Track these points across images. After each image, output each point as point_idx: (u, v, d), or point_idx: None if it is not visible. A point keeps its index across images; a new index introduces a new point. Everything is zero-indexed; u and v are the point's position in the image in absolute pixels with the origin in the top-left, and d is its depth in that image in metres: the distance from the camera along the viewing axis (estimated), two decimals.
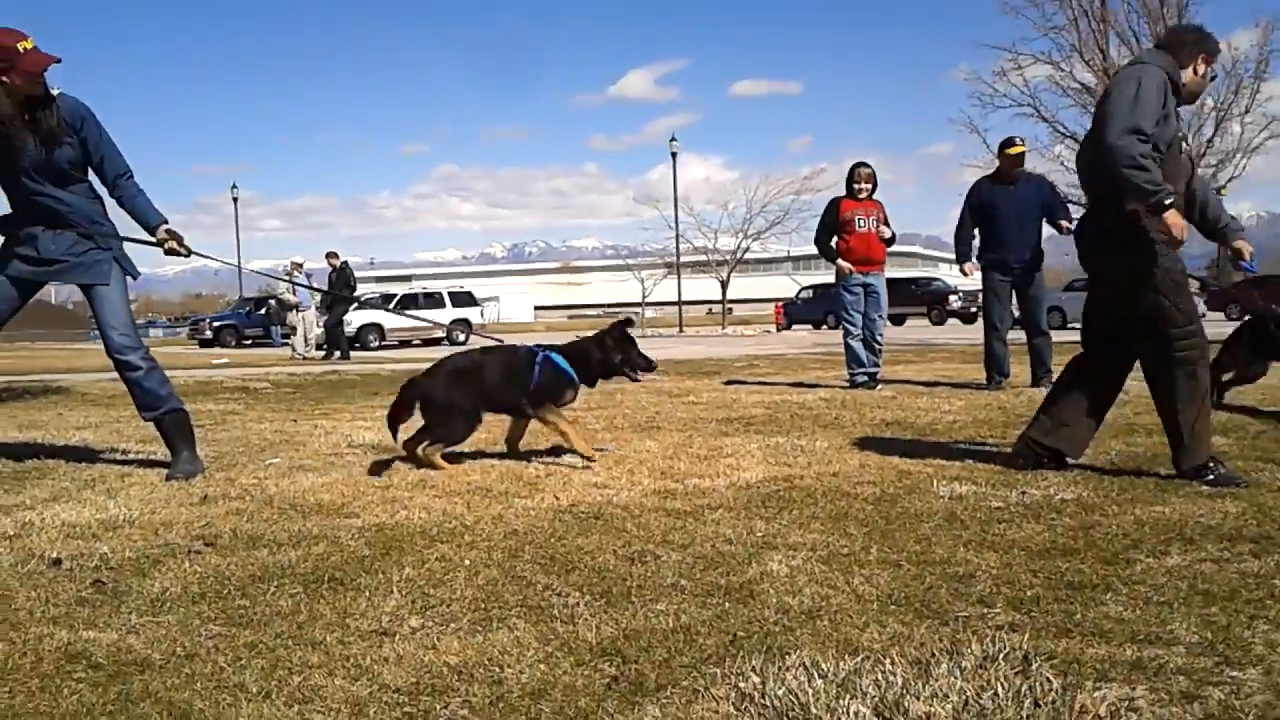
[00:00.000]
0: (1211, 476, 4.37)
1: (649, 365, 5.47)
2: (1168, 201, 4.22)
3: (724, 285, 51.69)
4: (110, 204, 5.08)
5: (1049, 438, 4.80)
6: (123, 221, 5.13)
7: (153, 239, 5.05)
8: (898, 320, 38.67)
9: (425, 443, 5.20)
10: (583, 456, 5.20)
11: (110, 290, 4.99)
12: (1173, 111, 4.38)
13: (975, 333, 22.88)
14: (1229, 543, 3.40)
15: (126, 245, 5.13)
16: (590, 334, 5.59)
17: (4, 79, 4.56)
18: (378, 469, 5.19)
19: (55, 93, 4.76)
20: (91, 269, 4.95)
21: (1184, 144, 4.55)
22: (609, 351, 5.38)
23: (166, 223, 5.05)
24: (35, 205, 4.84)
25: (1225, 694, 2.15)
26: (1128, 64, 4.73)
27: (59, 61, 4.65)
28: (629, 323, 5.56)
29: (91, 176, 5.01)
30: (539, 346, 5.40)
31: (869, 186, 9.57)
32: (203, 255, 5.59)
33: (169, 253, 5.07)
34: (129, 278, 5.09)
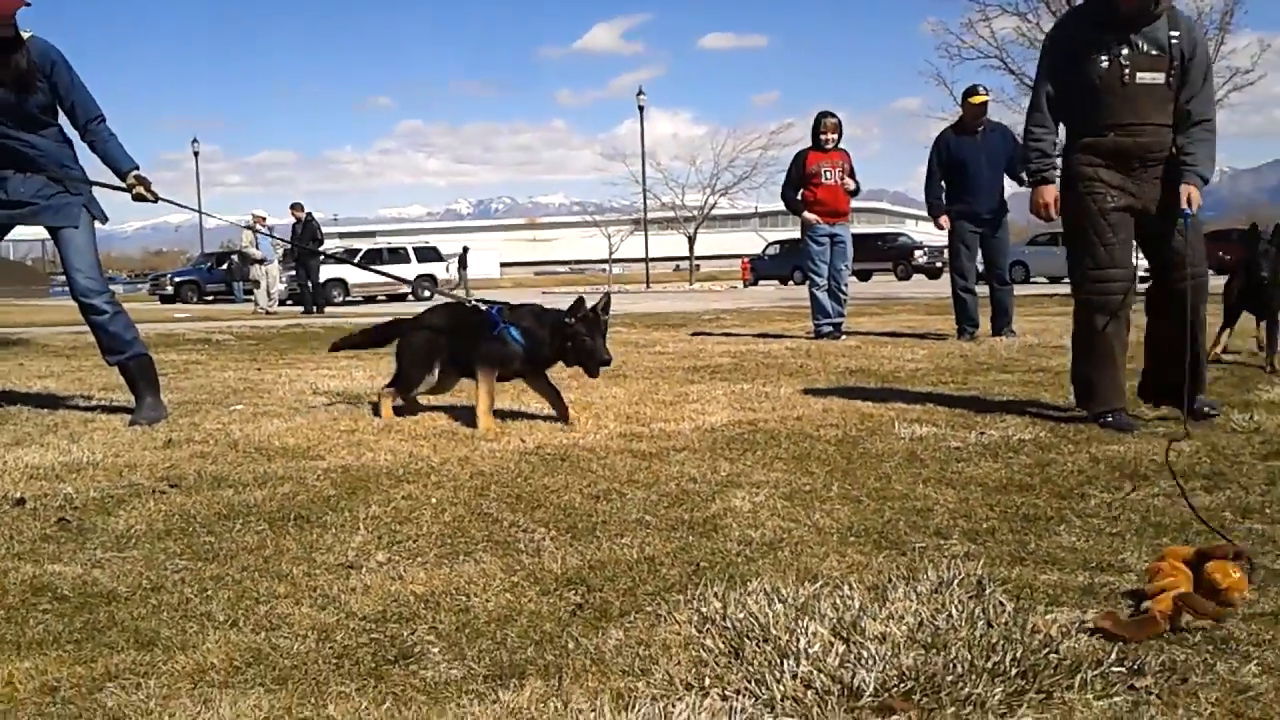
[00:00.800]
0: (1110, 419, 4.43)
1: (607, 360, 4.84)
2: (1041, 176, 4.58)
3: (691, 241, 51.63)
4: (80, 148, 5.03)
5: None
6: (90, 165, 5.08)
7: (122, 184, 5.00)
8: (863, 276, 38.80)
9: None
10: (479, 424, 4.75)
11: (78, 233, 4.94)
12: (1099, 45, 4.36)
13: (939, 287, 23.04)
14: (1182, 479, 3.46)
15: (96, 190, 5.08)
16: (555, 311, 4.94)
17: None
18: (343, 414, 5.19)
19: (26, 35, 4.68)
20: (61, 211, 4.90)
21: (1128, 73, 4.38)
22: (569, 337, 4.77)
23: (138, 168, 5.00)
24: (5, 149, 4.77)
25: None
26: None
27: (28, 4, 4.57)
28: (601, 307, 4.80)
29: (61, 120, 4.95)
30: (498, 312, 4.93)
31: (835, 136, 9.59)
32: (170, 201, 5.53)
33: (137, 198, 5.02)
34: (98, 222, 5.05)
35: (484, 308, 5.03)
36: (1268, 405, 4.84)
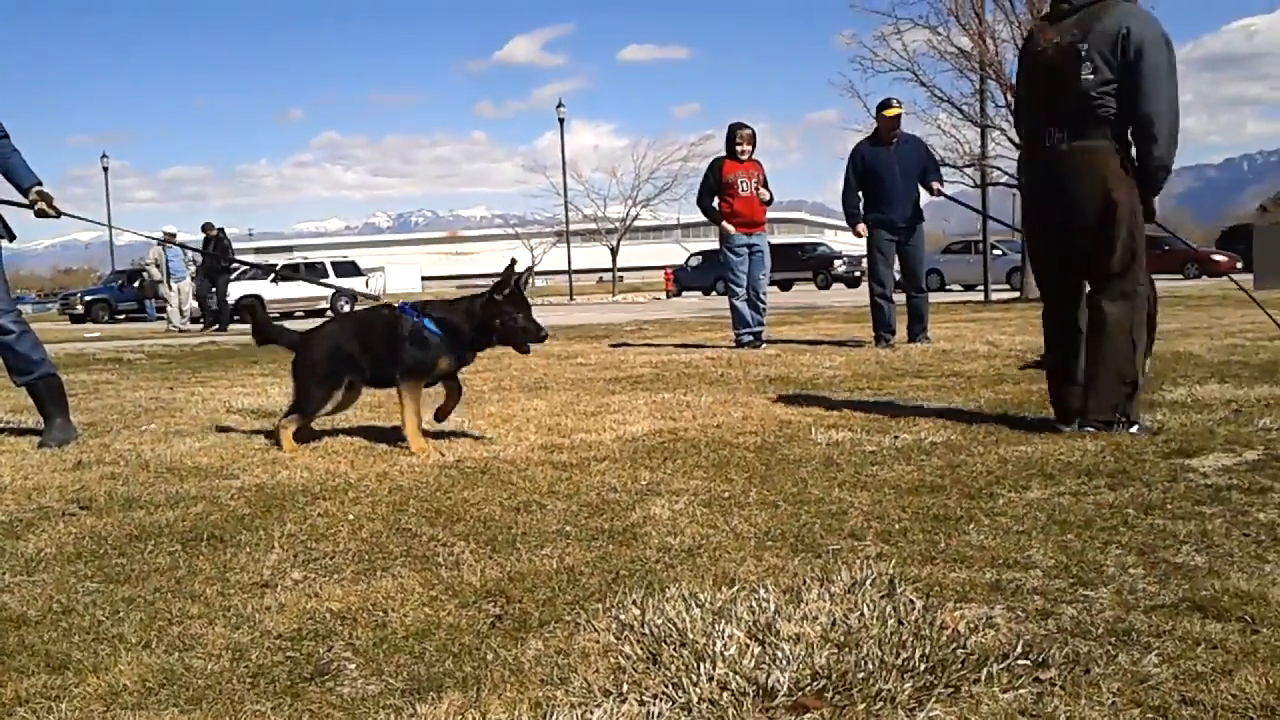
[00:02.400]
0: (1135, 428, 4.35)
1: (539, 335, 4.62)
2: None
3: (614, 253, 51.72)
4: None
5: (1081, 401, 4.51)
6: None
7: (24, 200, 4.91)
8: (784, 285, 39.22)
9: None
10: (408, 445, 4.51)
11: None
12: None
13: (859, 296, 23.38)
14: (1087, 477, 3.58)
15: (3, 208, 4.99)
16: (473, 295, 4.80)
17: None
18: (258, 432, 5.12)
19: None
20: None
21: None
22: (493, 316, 4.58)
23: (40, 184, 4.92)
24: None
25: (1078, 611, 2.29)
26: (1144, 19, 4.34)
27: None
28: (516, 275, 4.63)
29: None
30: (411, 306, 4.73)
31: (749, 148, 9.69)
32: (74, 216, 5.45)
33: (39, 214, 4.95)
34: (4, 240, 4.94)
35: (394, 305, 4.72)
36: (1171, 405, 5.00)
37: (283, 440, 4.63)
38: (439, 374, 4.70)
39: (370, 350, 4.68)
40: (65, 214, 5.16)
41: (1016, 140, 19.51)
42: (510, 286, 4.57)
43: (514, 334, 4.59)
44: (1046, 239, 4.61)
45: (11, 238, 4.98)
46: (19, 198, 4.95)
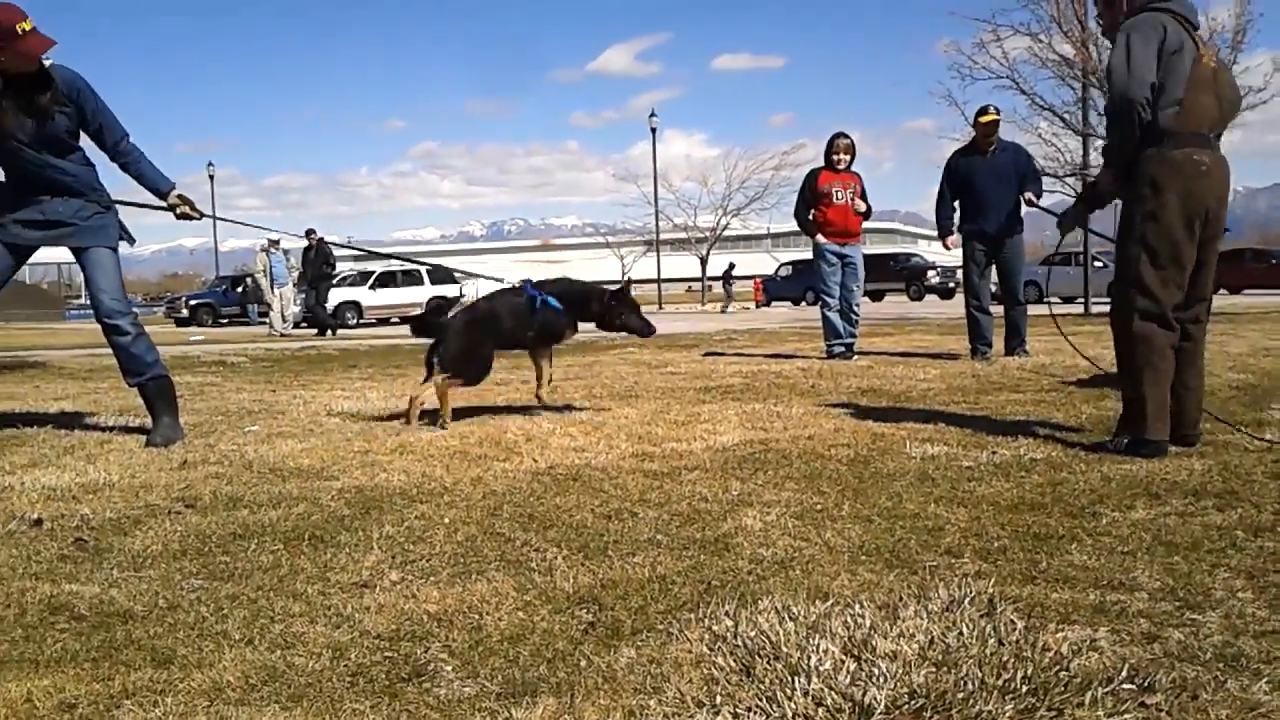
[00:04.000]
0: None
1: (648, 329, 5.95)
2: None
3: (704, 262, 51.66)
4: (106, 170, 5.12)
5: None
6: (115, 187, 5.17)
7: (163, 204, 5.07)
8: (876, 296, 38.83)
9: (443, 376, 5.50)
10: (540, 389, 5.98)
11: (109, 255, 5.02)
12: None
13: (952, 307, 22.95)
14: (1193, 498, 3.47)
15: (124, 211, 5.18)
16: (590, 284, 6.03)
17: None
18: (357, 435, 5.22)
19: (48, 64, 4.74)
20: (97, 232, 4.98)
21: None
22: (612, 306, 5.80)
23: (175, 187, 5.08)
24: (41, 176, 4.84)
25: (1185, 635, 2.22)
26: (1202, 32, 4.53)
27: (55, 45, 4.65)
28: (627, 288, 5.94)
29: (84, 143, 5.02)
30: (532, 286, 5.73)
31: (847, 158, 9.61)
32: (216, 218, 5.75)
33: (181, 216, 5.10)
34: (124, 243, 5.12)
35: (519, 286, 5.85)
36: None
37: (415, 400, 5.58)
38: (564, 340, 5.96)
39: (514, 326, 5.68)
40: (206, 215, 5.32)
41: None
42: (622, 293, 5.86)
43: (630, 328, 5.90)
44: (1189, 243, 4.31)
45: (131, 241, 5.16)
46: (147, 199, 5.11)
